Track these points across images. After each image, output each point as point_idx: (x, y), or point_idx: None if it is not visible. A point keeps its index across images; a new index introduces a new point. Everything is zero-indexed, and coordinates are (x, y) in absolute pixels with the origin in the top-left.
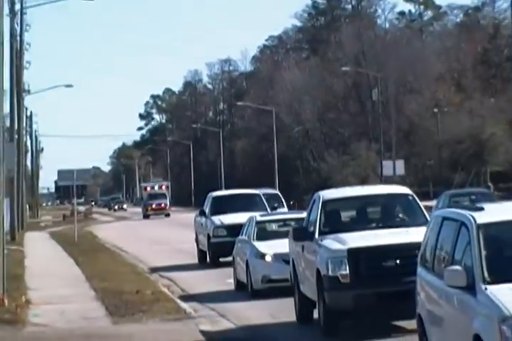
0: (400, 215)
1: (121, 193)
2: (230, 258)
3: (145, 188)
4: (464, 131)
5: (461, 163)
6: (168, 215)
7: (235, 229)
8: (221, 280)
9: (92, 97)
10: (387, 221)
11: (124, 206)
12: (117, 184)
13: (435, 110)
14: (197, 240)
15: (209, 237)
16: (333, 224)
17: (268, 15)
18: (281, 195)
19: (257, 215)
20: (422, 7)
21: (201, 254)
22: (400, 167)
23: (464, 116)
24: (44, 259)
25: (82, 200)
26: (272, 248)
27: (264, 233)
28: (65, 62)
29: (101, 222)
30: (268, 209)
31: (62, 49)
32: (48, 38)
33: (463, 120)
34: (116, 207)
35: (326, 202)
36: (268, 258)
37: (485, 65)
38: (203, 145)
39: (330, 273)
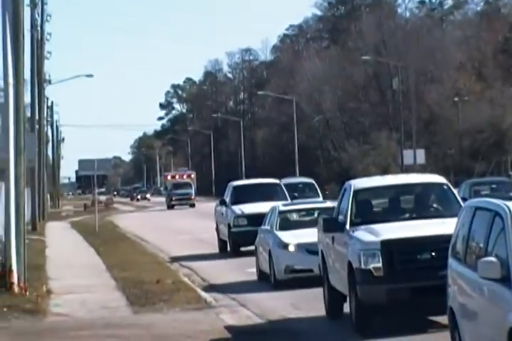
0: (435, 205)
1: (142, 183)
2: (250, 248)
3: (170, 177)
4: (484, 120)
5: (481, 152)
6: (193, 205)
7: (256, 219)
8: (242, 269)
9: (112, 87)
10: (422, 211)
11: (147, 196)
12: (138, 174)
13: (456, 99)
14: (217, 229)
15: (230, 227)
16: (365, 214)
17: (288, 4)
18: (315, 184)
19: (280, 205)
20: None
21: (222, 244)
22: (421, 156)
23: (484, 105)
24: (65, 249)
25: (103, 190)
26: (295, 238)
27: (287, 223)
28: (85, 52)
29: (122, 212)
30: (289, 199)
31: (83, 39)
32: (69, 28)
33: (483, 109)
34: (139, 196)
35: (357, 192)
36: (291, 248)
37: (506, 54)
38: (223, 135)
39: (362, 266)
